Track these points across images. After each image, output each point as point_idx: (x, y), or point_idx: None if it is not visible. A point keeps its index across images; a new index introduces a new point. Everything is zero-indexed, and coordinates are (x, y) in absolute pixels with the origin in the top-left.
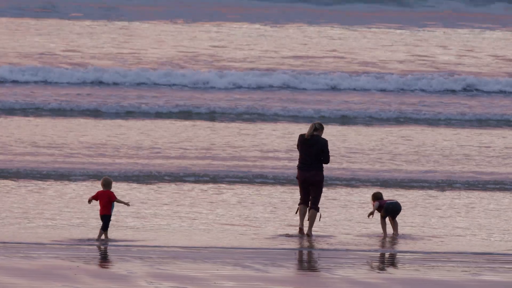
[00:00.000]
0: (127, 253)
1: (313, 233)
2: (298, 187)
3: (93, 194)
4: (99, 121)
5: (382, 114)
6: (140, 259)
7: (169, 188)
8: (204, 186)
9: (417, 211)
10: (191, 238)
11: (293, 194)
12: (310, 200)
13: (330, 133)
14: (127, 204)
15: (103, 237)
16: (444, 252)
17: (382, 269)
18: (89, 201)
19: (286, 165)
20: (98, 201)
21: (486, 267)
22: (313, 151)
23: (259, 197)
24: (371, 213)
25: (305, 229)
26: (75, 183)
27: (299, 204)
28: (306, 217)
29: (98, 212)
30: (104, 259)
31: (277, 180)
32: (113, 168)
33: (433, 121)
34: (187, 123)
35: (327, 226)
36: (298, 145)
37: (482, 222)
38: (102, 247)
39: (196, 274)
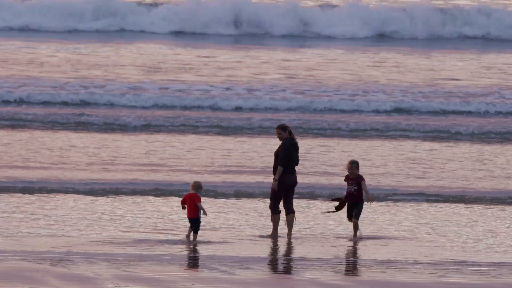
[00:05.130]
0: (93, 255)
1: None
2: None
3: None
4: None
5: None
6: (107, 261)
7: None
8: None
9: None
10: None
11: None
12: (285, 206)
13: None
14: (204, 212)
15: (191, 238)
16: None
17: (349, 271)
18: (182, 206)
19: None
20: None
21: (453, 269)
22: (297, 154)
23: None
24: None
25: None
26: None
27: (275, 214)
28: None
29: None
30: (70, 262)
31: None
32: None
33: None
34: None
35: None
36: (282, 151)
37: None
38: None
39: (162, 276)
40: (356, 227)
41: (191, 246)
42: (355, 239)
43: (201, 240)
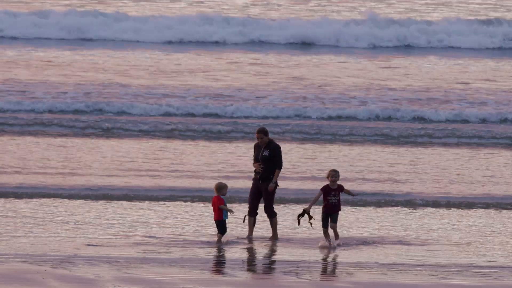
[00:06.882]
0: (94, 257)
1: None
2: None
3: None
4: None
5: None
6: (108, 263)
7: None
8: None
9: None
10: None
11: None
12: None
13: None
14: (230, 211)
15: (223, 239)
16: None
17: (349, 273)
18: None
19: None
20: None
21: (454, 271)
22: None
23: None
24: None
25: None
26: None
27: (275, 217)
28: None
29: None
30: (71, 263)
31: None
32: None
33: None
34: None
35: (287, 234)
36: (279, 155)
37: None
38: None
39: (163, 278)
40: (336, 231)
41: (216, 249)
42: (338, 242)
43: (199, 242)
